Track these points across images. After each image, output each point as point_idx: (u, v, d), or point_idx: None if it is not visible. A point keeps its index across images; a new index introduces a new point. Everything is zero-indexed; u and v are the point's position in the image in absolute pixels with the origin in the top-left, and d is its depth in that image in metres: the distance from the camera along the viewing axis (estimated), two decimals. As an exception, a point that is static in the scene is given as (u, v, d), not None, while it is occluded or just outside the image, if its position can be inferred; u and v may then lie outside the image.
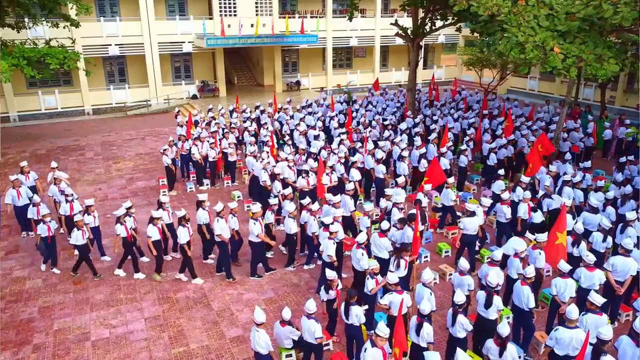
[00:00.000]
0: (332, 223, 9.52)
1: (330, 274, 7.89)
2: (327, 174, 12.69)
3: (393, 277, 7.53)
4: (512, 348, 6.32)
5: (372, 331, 7.91)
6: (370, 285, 8.08)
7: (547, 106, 20.94)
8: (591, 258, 8.09)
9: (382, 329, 6.30)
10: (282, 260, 10.96)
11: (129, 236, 10.07)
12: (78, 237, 10.02)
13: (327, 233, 9.41)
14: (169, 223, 10.79)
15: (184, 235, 9.83)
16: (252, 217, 10.03)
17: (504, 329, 6.28)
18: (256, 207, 10.16)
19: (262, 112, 19.81)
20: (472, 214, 10.05)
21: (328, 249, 9.12)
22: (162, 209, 10.50)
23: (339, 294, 7.97)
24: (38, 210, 10.90)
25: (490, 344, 6.47)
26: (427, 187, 11.95)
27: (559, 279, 7.84)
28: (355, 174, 12.90)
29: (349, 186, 11.56)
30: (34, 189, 12.67)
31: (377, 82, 24.77)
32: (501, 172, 12.57)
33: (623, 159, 13.51)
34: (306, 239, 10.75)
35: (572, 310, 6.62)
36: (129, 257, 10.37)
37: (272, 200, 11.00)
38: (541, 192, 11.85)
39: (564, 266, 7.86)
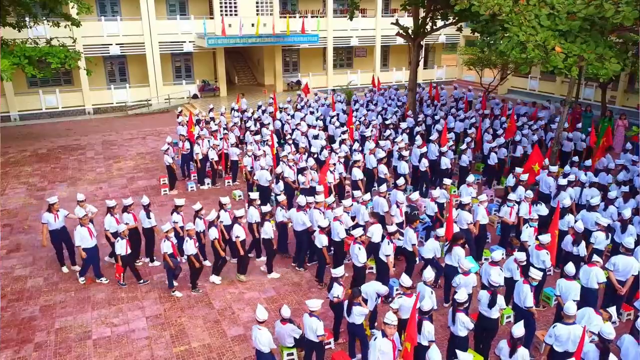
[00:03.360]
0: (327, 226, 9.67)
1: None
2: (330, 172, 12.75)
3: (406, 280, 7.50)
4: (523, 350, 6.34)
5: (374, 330, 7.89)
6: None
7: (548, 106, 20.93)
8: (595, 258, 8.17)
9: (391, 318, 6.34)
10: (283, 262, 10.99)
11: (219, 239, 9.96)
12: (168, 247, 9.61)
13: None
14: (227, 225, 10.39)
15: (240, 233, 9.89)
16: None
17: (518, 330, 6.28)
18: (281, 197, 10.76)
19: (264, 111, 19.81)
20: (463, 206, 10.21)
21: (321, 241, 9.61)
22: (223, 210, 10.44)
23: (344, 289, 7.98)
24: (128, 243, 9.81)
25: (503, 344, 6.50)
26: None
27: (563, 280, 7.85)
28: (357, 173, 12.91)
29: (400, 181, 11.59)
30: (64, 230, 10.55)
31: (307, 86, 24.71)
32: (470, 178, 12.11)
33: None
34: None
35: (570, 307, 6.70)
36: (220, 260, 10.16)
37: (280, 200, 10.74)
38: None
39: (570, 269, 7.84)
